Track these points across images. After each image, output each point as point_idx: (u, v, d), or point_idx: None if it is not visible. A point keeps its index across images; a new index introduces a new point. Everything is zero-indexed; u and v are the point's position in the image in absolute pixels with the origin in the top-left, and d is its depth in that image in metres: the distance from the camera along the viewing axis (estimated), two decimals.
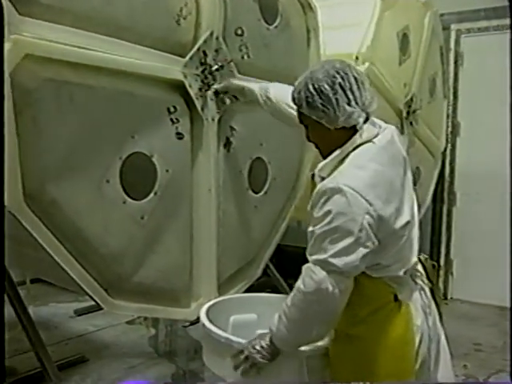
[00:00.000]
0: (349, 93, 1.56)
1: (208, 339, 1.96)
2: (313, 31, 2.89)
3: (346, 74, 1.57)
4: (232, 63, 2.36)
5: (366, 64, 3.21)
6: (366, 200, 1.50)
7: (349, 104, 1.56)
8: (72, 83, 1.77)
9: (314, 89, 1.57)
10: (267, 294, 2.46)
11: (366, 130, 1.60)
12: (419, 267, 1.79)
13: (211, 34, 2.25)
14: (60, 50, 1.73)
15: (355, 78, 1.58)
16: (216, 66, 2.27)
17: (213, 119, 2.30)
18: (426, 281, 1.79)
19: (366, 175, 1.54)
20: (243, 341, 1.75)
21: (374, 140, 1.61)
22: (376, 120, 1.67)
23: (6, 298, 2.90)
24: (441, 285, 4.72)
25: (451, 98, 4.58)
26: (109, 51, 1.87)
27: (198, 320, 2.73)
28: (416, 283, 1.72)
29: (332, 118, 1.57)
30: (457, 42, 4.56)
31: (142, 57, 1.98)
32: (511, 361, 2.64)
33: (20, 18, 1.63)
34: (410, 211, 1.63)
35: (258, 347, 1.68)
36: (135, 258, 2.03)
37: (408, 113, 3.74)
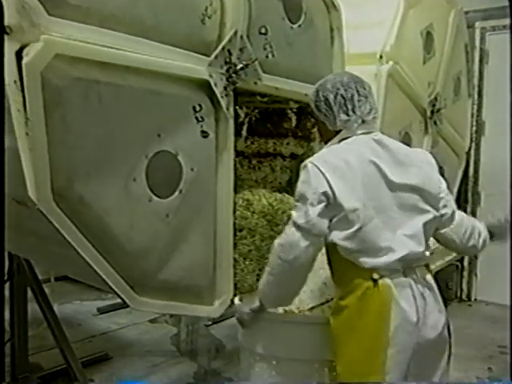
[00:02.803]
0: (348, 103, 1.92)
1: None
2: (336, 30, 2.87)
3: (350, 87, 1.93)
4: (256, 62, 2.36)
5: (390, 63, 3.20)
6: (320, 171, 1.83)
7: (347, 113, 1.92)
8: (100, 82, 1.78)
9: (323, 96, 1.95)
10: None
11: (350, 129, 1.93)
12: (423, 273, 1.90)
13: (235, 32, 2.25)
14: (89, 49, 1.74)
15: (358, 92, 1.93)
16: (241, 65, 2.27)
17: None
18: (434, 289, 1.91)
19: (331, 156, 1.89)
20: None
21: (358, 135, 1.92)
22: (374, 129, 1.97)
23: (31, 295, 2.96)
24: (464, 286, 4.67)
25: (476, 96, 4.52)
26: (136, 50, 1.88)
27: (219, 319, 2.74)
28: (411, 284, 1.85)
29: (332, 122, 1.95)
30: (482, 40, 4.51)
31: (167, 56, 1.99)
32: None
33: (49, 19, 1.65)
34: (368, 204, 1.82)
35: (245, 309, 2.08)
36: (160, 256, 2.04)
37: (432, 112, 3.70)
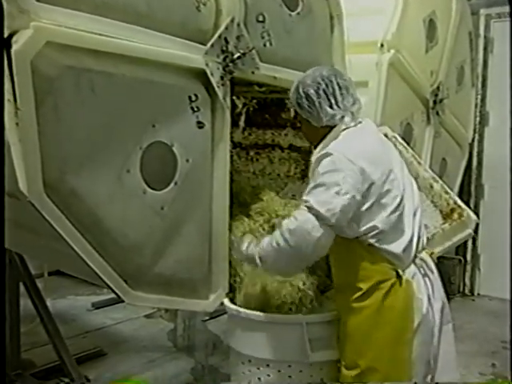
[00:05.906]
0: (331, 97, 1.93)
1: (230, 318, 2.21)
2: (336, 18, 2.80)
3: (331, 81, 1.94)
4: (254, 51, 2.29)
5: (392, 51, 3.14)
6: (349, 159, 1.81)
7: (331, 107, 1.93)
8: (92, 71, 1.73)
9: (303, 92, 1.95)
10: None
11: (347, 121, 1.95)
12: (426, 257, 2.00)
13: (232, 20, 2.18)
14: (80, 37, 1.68)
15: (338, 85, 1.94)
16: (238, 54, 2.20)
17: None
18: (435, 272, 2.01)
19: (350, 144, 1.89)
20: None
21: (356, 125, 1.96)
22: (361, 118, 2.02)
23: (24, 290, 2.91)
24: (467, 280, 4.63)
25: (480, 86, 4.46)
26: (129, 38, 1.82)
27: (217, 314, 2.71)
28: (419, 269, 1.95)
29: (316, 117, 1.95)
30: (486, 28, 4.44)
31: (162, 44, 1.93)
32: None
33: (39, 5, 1.58)
34: (401, 188, 1.91)
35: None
36: (155, 249, 1.99)
37: (435, 102, 3.64)
